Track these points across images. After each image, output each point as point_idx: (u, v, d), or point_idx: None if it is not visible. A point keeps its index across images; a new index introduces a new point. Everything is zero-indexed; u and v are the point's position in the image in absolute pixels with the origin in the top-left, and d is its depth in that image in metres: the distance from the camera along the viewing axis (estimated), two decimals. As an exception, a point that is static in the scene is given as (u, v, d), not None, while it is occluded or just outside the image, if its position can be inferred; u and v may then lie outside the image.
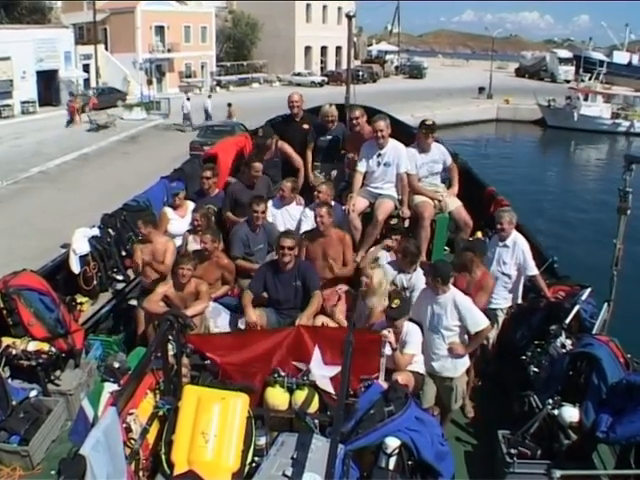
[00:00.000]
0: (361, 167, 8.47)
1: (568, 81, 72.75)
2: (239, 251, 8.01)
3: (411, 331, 6.33)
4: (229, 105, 37.20)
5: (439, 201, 8.46)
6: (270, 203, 8.62)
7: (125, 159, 32.45)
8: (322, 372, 5.82)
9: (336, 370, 5.60)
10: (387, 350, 5.96)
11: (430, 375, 6.52)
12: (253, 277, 7.32)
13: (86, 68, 51.82)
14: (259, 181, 8.85)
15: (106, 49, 55.11)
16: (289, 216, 8.61)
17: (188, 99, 41.53)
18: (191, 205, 8.77)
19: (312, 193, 8.42)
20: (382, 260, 7.92)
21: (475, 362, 7.08)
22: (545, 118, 51.92)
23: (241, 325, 7.07)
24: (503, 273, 7.48)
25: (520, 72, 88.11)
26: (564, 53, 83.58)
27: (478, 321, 6.44)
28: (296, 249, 7.14)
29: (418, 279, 7.14)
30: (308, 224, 8.21)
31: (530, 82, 74.39)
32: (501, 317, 7.51)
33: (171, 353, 5.50)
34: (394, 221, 8.22)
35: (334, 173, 9.50)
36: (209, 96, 43.68)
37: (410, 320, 6.44)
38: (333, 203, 8.15)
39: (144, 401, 5.31)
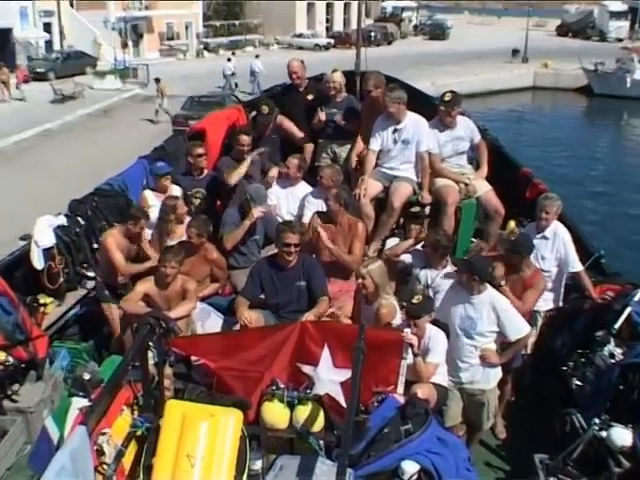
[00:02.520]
0: (374, 145, 8.51)
1: (620, 39, 71.96)
2: (230, 231, 8.09)
3: (435, 336, 6.30)
4: (157, 81, 36.60)
5: (465, 185, 8.48)
6: (273, 183, 8.81)
7: (96, 136, 32.40)
8: (332, 376, 5.79)
9: (349, 374, 5.50)
10: (409, 354, 5.90)
11: (455, 388, 6.56)
12: (247, 280, 7.25)
13: (48, 28, 51.54)
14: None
15: (71, 6, 54.44)
16: (295, 200, 8.75)
17: (229, 60, 42.29)
18: (176, 190, 8.84)
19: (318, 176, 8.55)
20: (389, 247, 8.18)
21: (514, 374, 7.15)
22: (591, 85, 51.37)
23: (234, 329, 7.14)
24: (543, 270, 7.46)
25: (562, 30, 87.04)
26: (616, 5, 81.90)
27: (519, 327, 6.48)
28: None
29: (446, 278, 7.13)
30: (311, 211, 8.33)
31: (574, 42, 73.81)
32: (540, 321, 7.55)
33: (151, 362, 5.43)
34: (416, 208, 8.30)
35: (342, 153, 9.60)
36: (257, 56, 43.92)
37: (432, 323, 6.49)
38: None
39: (119, 419, 5.25)
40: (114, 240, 7.85)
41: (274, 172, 8.90)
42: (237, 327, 7.08)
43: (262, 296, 7.17)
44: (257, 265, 7.38)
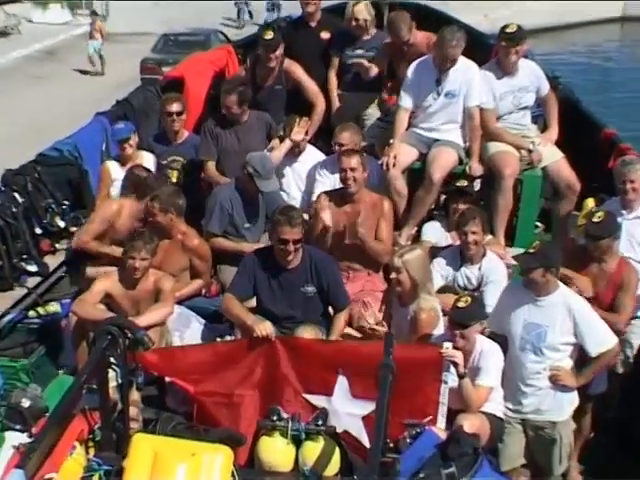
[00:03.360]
0: (407, 100, 8.56)
1: None
2: (218, 226, 8.06)
3: (487, 351, 6.25)
4: (93, 15, 36.20)
5: (529, 151, 8.46)
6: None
7: (38, 86, 32.14)
8: (351, 409, 5.80)
9: (373, 406, 5.42)
10: (451, 376, 5.87)
11: (515, 420, 6.52)
12: (237, 273, 7.13)
13: None
14: (252, 120, 8.84)
15: None
16: (302, 173, 8.76)
17: None
18: (147, 158, 8.89)
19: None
20: (427, 234, 8.25)
21: (595, 402, 7.04)
22: None
23: (223, 340, 7.20)
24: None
25: None
26: None
27: (603, 338, 6.36)
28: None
29: (491, 269, 7.14)
30: (325, 186, 8.30)
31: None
32: (637, 334, 7.30)
33: (113, 384, 5.49)
34: (462, 182, 8.26)
35: (369, 110, 9.60)
36: None
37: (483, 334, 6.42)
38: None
39: (69, 459, 5.22)
40: (117, 209, 7.95)
41: (286, 145, 8.71)
42: (227, 338, 7.16)
43: (253, 302, 7.11)
44: (249, 259, 7.13)
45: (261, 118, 8.90)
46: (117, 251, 7.60)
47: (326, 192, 7.90)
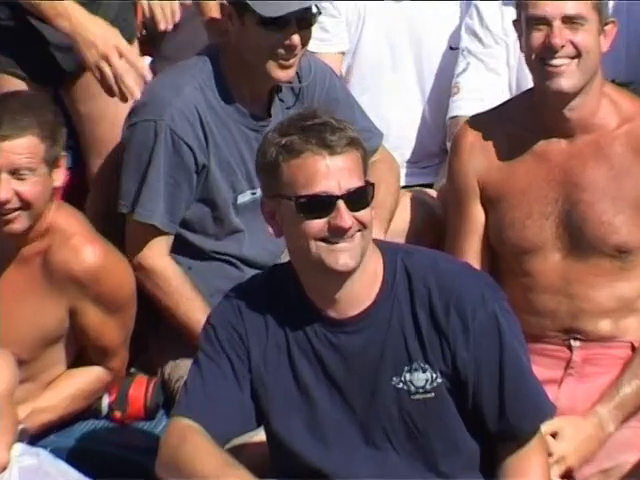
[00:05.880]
0: None
1: None
2: (164, 209, 5.49)
3: None
4: None
5: None
6: None
7: None
8: None
9: None
10: None
11: None
12: (199, 356, 4.56)
13: None
14: None
15: None
16: (428, 44, 6.72)
17: None
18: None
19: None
20: None
21: None
22: None
23: None
24: None
25: None
26: None
27: None
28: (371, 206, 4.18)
29: None
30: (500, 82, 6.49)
31: None
32: None
33: None
34: None
35: None
36: None
37: None
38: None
39: None
40: None
41: None
42: None
43: (261, 436, 4.55)
44: (224, 312, 4.38)
45: None
46: None
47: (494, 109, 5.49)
